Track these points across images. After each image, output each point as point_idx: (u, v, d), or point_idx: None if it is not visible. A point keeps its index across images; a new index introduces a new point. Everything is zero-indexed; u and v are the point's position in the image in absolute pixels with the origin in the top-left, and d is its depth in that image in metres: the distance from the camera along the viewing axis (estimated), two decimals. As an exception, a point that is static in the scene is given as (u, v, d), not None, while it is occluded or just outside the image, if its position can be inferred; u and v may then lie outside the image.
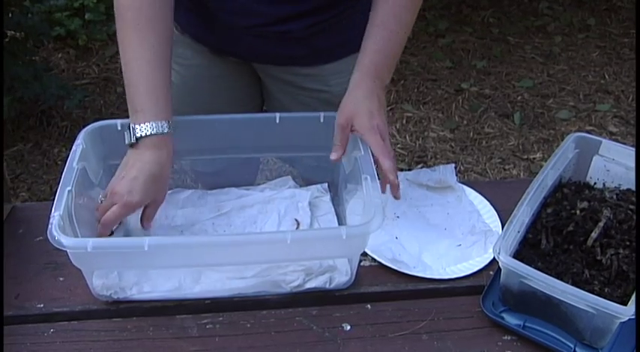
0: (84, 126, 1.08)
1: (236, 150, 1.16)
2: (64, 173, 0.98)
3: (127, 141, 1.01)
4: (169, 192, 1.15)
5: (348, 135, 1.06)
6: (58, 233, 0.87)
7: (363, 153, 1.03)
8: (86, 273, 0.96)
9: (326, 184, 1.19)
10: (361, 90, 1.06)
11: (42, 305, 0.98)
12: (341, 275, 1.01)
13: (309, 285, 1.00)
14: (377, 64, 1.07)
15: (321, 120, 1.11)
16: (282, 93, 1.31)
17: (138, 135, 1.00)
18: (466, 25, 3.65)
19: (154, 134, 1.00)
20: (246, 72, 1.32)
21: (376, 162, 1.02)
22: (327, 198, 1.17)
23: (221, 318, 0.97)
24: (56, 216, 0.90)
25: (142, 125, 1.00)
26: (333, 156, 1.07)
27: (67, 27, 3.19)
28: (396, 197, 1.06)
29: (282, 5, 1.12)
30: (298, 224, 1.10)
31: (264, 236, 1.01)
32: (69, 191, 0.95)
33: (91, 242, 0.87)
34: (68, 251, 0.89)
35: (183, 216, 1.11)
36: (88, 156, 1.05)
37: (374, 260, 1.05)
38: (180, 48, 1.26)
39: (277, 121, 1.11)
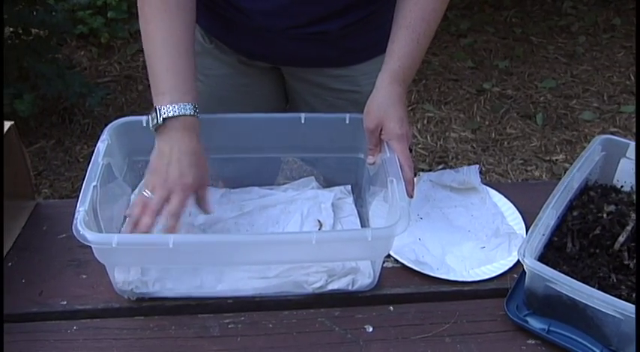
0: (107, 124, 1.09)
1: (259, 149, 1.16)
2: (89, 168, 0.98)
3: (151, 125, 1.00)
4: None
5: (378, 139, 1.06)
6: (82, 228, 0.88)
7: (388, 155, 1.02)
8: (109, 269, 0.96)
9: (349, 186, 1.18)
10: (390, 95, 1.05)
11: (65, 303, 0.99)
12: (364, 277, 1.00)
13: (332, 287, 0.99)
14: (405, 68, 1.06)
15: (347, 122, 1.11)
16: (311, 95, 1.31)
17: (164, 116, 0.99)
18: (488, 24, 3.62)
19: (180, 115, 1.00)
20: (273, 78, 1.32)
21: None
22: (350, 199, 1.16)
23: (243, 318, 0.96)
24: (81, 211, 0.90)
25: (167, 107, 1.00)
26: (370, 161, 1.07)
27: (89, 25, 3.22)
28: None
29: (318, 5, 1.11)
30: (321, 225, 1.09)
31: (289, 236, 1.01)
32: (94, 186, 0.95)
33: (116, 237, 0.87)
34: (92, 246, 0.89)
35: (205, 215, 1.11)
36: (113, 152, 1.05)
37: (397, 261, 1.04)
38: (206, 58, 1.27)
39: (302, 121, 1.11)
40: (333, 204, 1.13)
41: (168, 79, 1.02)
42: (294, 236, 1.01)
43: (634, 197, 1.06)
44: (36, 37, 2.69)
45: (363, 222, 1.11)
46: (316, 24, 1.13)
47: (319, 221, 1.10)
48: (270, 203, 1.14)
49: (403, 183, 0.98)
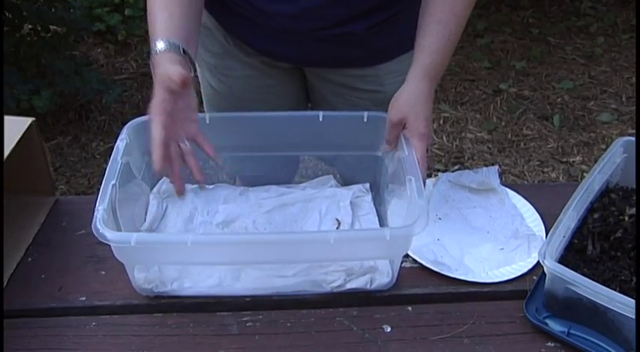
0: (124, 122, 1.09)
1: (276, 148, 1.16)
2: (108, 167, 0.99)
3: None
4: (210, 187, 1.15)
5: (399, 133, 1.05)
6: (102, 227, 0.88)
7: (407, 153, 1.02)
8: (128, 267, 0.97)
9: (367, 184, 1.18)
10: (421, 91, 1.04)
11: (84, 298, 0.99)
12: (382, 276, 1.00)
13: (350, 286, 0.99)
14: (436, 64, 1.05)
15: (365, 120, 1.10)
16: (333, 95, 1.30)
17: (156, 50, 0.99)
18: (505, 25, 3.60)
19: (168, 50, 0.99)
20: (295, 78, 1.32)
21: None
22: (369, 198, 1.16)
23: (261, 317, 0.96)
24: (100, 210, 0.91)
25: (157, 43, 0.99)
26: (384, 149, 1.06)
27: (107, 22, 3.23)
28: None
29: (343, 7, 1.11)
30: (339, 223, 1.09)
31: (307, 235, 1.01)
32: (113, 185, 0.96)
33: (134, 236, 0.87)
34: (111, 244, 0.89)
35: (224, 212, 1.11)
36: (131, 150, 1.05)
37: (415, 261, 1.04)
38: (228, 60, 1.27)
39: (320, 120, 1.11)
40: (351, 203, 1.13)
41: (163, 34, 1.01)
42: (312, 235, 1.01)
43: (656, 200, 1.05)
44: (54, 34, 2.70)
45: (382, 221, 1.11)
46: (342, 25, 1.13)
47: (337, 219, 1.10)
48: (289, 201, 1.14)
49: (422, 182, 0.97)
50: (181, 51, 1.00)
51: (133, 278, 0.98)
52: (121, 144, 1.03)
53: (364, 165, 1.16)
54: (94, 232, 0.88)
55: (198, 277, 1.00)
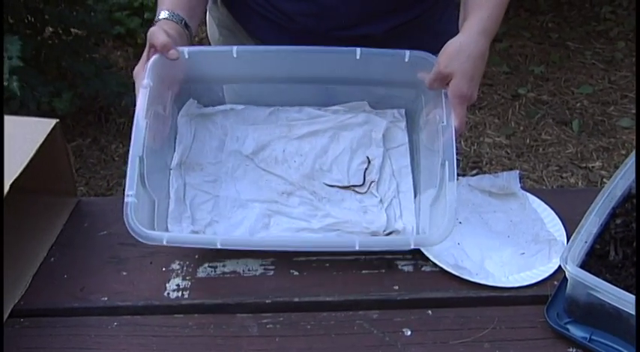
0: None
1: (311, 81, 1.13)
2: (133, 132, 0.99)
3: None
4: (240, 107, 1.15)
5: (442, 82, 1.00)
6: (134, 222, 0.89)
7: (445, 122, 0.98)
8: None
9: (403, 110, 1.14)
10: (474, 45, 0.98)
11: (106, 299, 1.00)
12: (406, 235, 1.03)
13: (376, 242, 1.02)
14: (492, 20, 1.00)
15: (407, 59, 1.05)
16: None
17: (157, 19, 1.04)
18: (524, 29, 3.58)
19: (169, 19, 1.04)
20: None
21: None
22: (403, 124, 1.13)
23: (281, 318, 0.97)
24: (130, 199, 0.91)
25: (161, 13, 1.04)
26: (422, 75, 1.03)
27: (126, 26, 3.25)
28: None
29: (363, 7, 1.11)
30: (369, 162, 1.08)
31: (334, 241, 1.03)
32: (140, 157, 0.96)
33: (166, 236, 0.91)
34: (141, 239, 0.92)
35: (254, 138, 1.11)
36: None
37: (435, 265, 1.04)
38: None
39: (358, 57, 1.05)
40: (384, 135, 1.11)
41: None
42: (337, 241, 1.03)
43: (679, 205, 1.04)
44: (75, 37, 2.73)
45: (413, 155, 1.10)
46: (359, 26, 1.13)
47: (368, 158, 1.08)
48: (320, 127, 1.11)
49: (455, 169, 0.95)
50: (181, 22, 1.05)
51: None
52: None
53: (401, 102, 1.13)
54: (128, 227, 0.90)
55: (229, 223, 1.03)
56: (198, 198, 1.06)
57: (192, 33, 1.08)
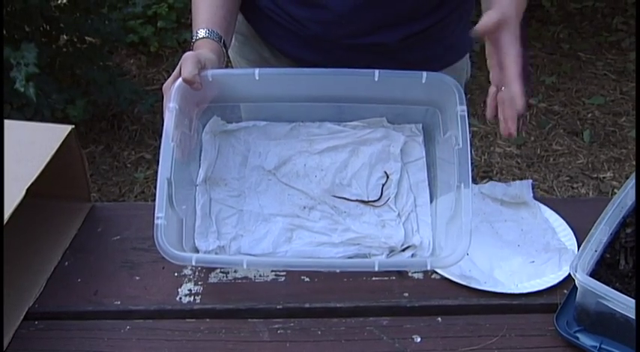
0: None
1: (329, 100, 1.14)
2: (161, 154, 0.98)
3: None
4: (262, 124, 1.16)
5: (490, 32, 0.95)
6: (164, 243, 0.91)
7: (461, 145, 0.98)
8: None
9: (420, 125, 1.16)
10: (513, 11, 0.94)
11: (119, 303, 1.01)
12: (423, 251, 1.04)
13: (393, 259, 1.05)
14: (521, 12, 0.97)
15: (423, 81, 1.05)
16: None
17: (197, 37, 1.07)
18: (535, 40, 3.59)
19: (207, 37, 1.06)
20: None
21: (505, 84, 1.00)
22: (420, 139, 1.15)
23: (292, 324, 0.98)
24: (160, 221, 0.92)
25: (199, 31, 1.07)
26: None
27: (140, 34, 3.29)
28: (511, 134, 1.00)
29: (377, 13, 1.12)
30: (387, 177, 1.10)
31: (354, 262, 1.05)
32: (168, 179, 0.97)
33: (194, 257, 0.93)
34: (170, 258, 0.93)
35: (275, 154, 1.13)
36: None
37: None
38: (261, 64, 1.29)
39: (376, 79, 1.05)
40: (401, 150, 1.13)
41: (205, 15, 1.09)
42: (357, 261, 1.05)
43: (690, 215, 1.04)
44: (89, 45, 2.76)
45: (429, 168, 1.12)
46: (372, 34, 1.14)
47: (386, 173, 1.11)
48: (340, 142, 1.14)
49: (471, 191, 0.95)
50: (220, 40, 1.07)
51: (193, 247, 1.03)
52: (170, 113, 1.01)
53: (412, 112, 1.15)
54: (157, 248, 0.91)
55: (253, 237, 1.05)
56: (223, 213, 1.08)
57: (228, 46, 1.10)
